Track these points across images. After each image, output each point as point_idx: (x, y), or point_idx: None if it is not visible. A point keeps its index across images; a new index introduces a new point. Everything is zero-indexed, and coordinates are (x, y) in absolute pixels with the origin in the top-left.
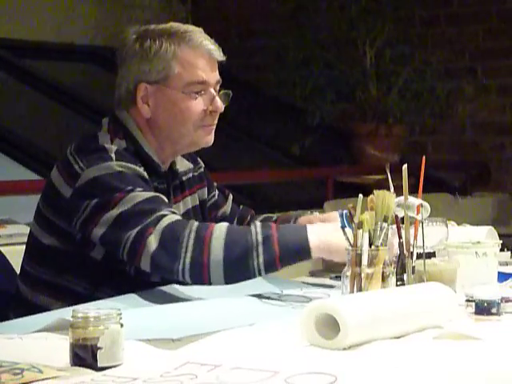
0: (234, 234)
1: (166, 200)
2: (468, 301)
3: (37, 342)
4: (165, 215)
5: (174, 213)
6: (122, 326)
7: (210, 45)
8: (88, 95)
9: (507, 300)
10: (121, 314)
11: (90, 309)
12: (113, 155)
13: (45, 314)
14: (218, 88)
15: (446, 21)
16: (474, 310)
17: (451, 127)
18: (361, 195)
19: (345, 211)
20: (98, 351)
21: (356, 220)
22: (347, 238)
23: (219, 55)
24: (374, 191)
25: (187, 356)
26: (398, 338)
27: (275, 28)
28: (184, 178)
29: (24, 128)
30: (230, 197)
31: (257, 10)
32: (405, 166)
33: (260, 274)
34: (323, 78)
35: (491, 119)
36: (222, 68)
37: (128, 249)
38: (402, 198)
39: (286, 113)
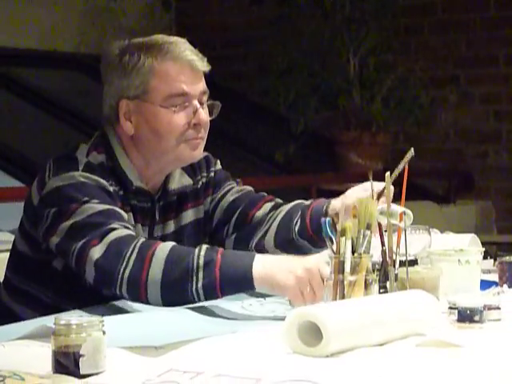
0: (176, 256)
1: (123, 214)
2: (451, 308)
3: (19, 349)
4: (114, 229)
5: (126, 227)
6: (104, 333)
7: (191, 55)
8: (71, 102)
9: (490, 308)
10: (103, 321)
11: (73, 316)
12: (81, 166)
13: (27, 321)
14: (205, 99)
15: (429, 29)
16: (456, 318)
17: (435, 135)
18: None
19: (327, 219)
20: (81, 358)
21: (339, 227)
22: (330, 246)
23: (202, 65)
24: (357, 199)
25: (170, 363)
26: (381, 345)
27: (259, 36)
28: (187, 190)
29: (7, 135)
30: (235, 188)
31: (240, 19)
32: (387, 174)
33: (200, 300)
34: (307, 85)
35: (475, 127)
36: (206, 75)
37: (74, 260)
38: (384, 206)
39: (269, 120)
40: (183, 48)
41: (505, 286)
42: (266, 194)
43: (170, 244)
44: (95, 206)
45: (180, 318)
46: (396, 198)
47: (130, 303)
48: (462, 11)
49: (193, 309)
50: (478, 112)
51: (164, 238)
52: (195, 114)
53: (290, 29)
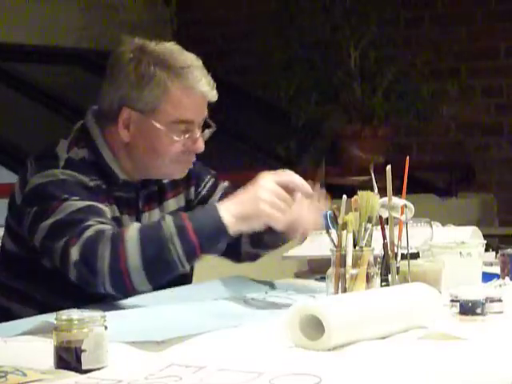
0: (147, 233)
1: (103, 208)
2: (453, 301)
3: (21, 345)
4: (90, 226)
5: (102, 222)
6: (106, 328)
7: (205, 86)
8: (72, 97)
9: (492, 300)
10: (105, 316)
11: (74, 311)
12: (61, 163)
13: (29, 318)
14: (202, 123)
15: (430, 22)
16: (458, 310)
17: (436, 128)
18: (345, 196)
19: (329, 212)
20: (82, 354)
21: (340, 221)
22: (331, 239)
23: (213, 96)
24: (358, 192)
25: (172, 358)
26: (383, 338)
27: (259, 30)
28: (165, 181)
29: (8, 131)
30: (222, 185)
31: (241, 12)
32: (388, 167)
33: (183, 266)
34: (307, 79)
35: (476, 120)
36: (207, 69)
37: (59, 260)
38: (386, 199)
39: (270, 114)
40: (200, 76)
41: (506, 278)
42: None
43: (135, 226)
44: (75, 204)
45: (182, 312)
46: (398, 192)
47: (131, 300)
48: (462, 4)
49: (194, 303)
50: (479, 105)
51: None
52: (194, 142)
53: (291, 22)
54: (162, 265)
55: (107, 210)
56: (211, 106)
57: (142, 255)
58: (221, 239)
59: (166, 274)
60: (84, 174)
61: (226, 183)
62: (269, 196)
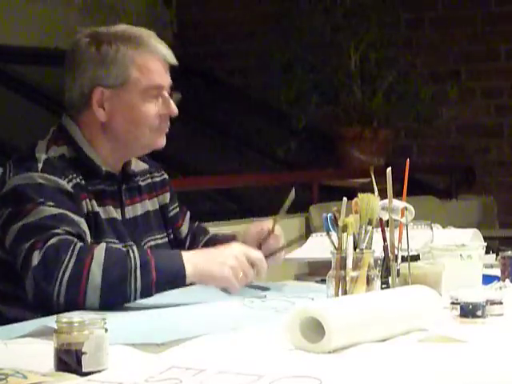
0: (113, 258)
1: (75, 219)
2: (453, 303)
3: (21, 347)
4: (58, 234)
5: (71, 233)
6: (106, 330)
7: (164, 49)
8: None
9: (492, 302)
10: (105, 319)
11: (75, 314)
12: (40, 165)
13: (29, 321)
14: (169, 91)
15: (430, 24)
16: (459, 313)
17: (436, 130)
18: (345, 198)
19: (329, 214)
20: (83, 356)
21: (340, 223)
22: (332, 242)
23: (173, 59)
24: (359, 194)
25: (172, 360)
26: (383, 341)
27: (260, 31)
28: (142, 183)
29: (9, 133)
30: (187, 215)
31: (241, 13)
32: (388, 169)
33: (135, 299)
34: (308, 81)
35: (476, 122)
36: (208, 71)
37: (20, 263)
38: (386, 201)
39: (270, 116)
40: (156, 41)
41: (507, 280)
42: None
43: (103, 246)
44: (49, 209)
45: (182, 315)
46: (398, 194)
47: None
48: (462, 6)
49: (194, 306)
50: (479, 107)
51: (135, 220)
52: (167, 106)
53: (291, 24)
54: (118, 291)
55: (81, 221)
56: (211, 107)
57: (104, 279)
58: (176, 285)
59: (118, 300)
60: (63, 174)
61: (188, 213)
62: (236, 265)
